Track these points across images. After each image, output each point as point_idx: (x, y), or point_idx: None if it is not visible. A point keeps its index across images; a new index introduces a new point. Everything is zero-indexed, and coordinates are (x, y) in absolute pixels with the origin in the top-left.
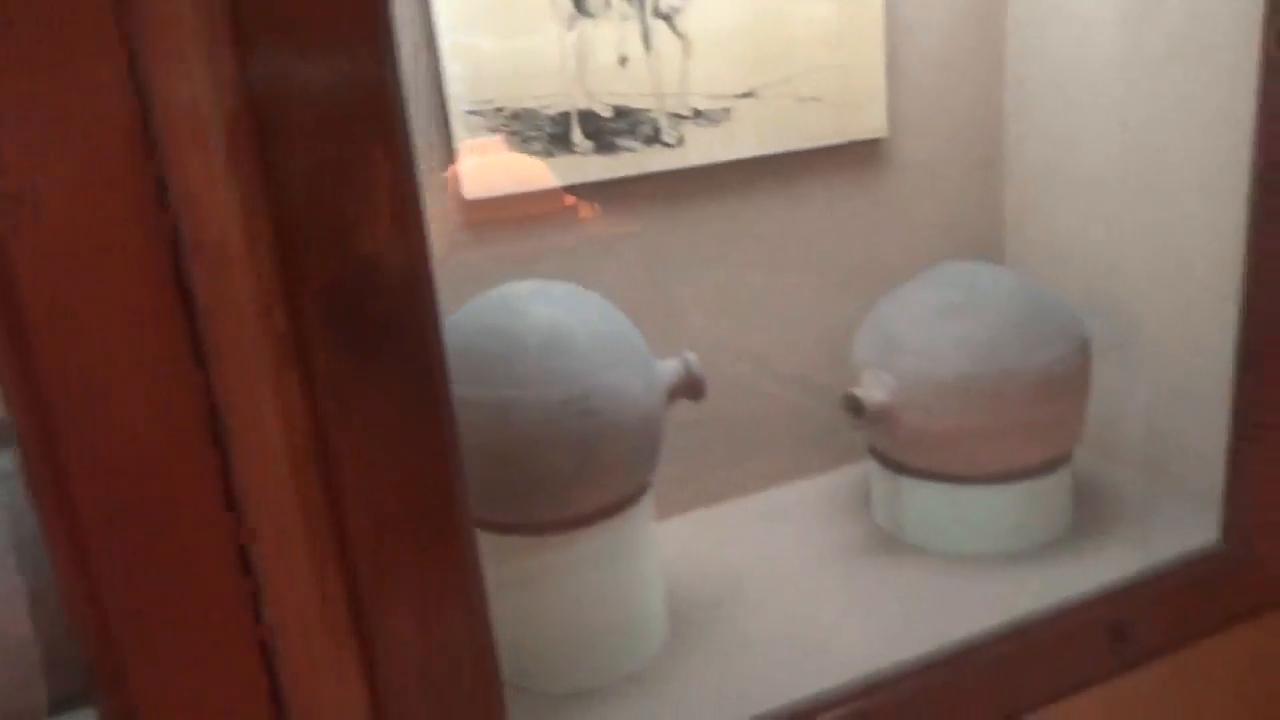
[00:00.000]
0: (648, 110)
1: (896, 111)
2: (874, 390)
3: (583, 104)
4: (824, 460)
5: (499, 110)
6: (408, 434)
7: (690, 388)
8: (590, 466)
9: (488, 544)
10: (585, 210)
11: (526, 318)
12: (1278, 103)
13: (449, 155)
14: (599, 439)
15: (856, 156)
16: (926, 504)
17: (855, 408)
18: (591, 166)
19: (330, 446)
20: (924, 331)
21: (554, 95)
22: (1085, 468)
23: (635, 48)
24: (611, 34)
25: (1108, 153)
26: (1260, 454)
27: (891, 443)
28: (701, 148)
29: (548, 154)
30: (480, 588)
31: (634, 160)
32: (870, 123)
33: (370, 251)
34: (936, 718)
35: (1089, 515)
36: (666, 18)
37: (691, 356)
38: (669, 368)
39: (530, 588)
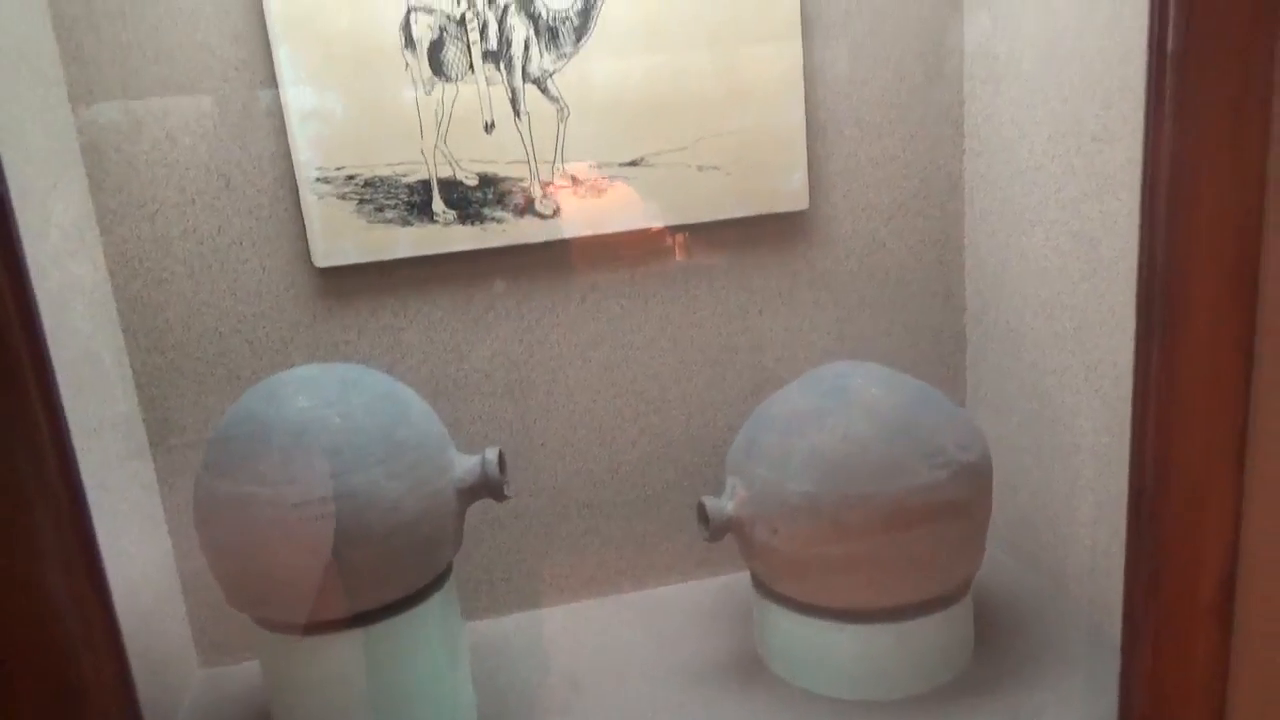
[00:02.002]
0: (519, 179)
1: (824, 182)
2: (725, 501)
3: (445, 171)
4: (734, 560)
5: (351, 178)
6: None
7: (488, 487)
8: (328, 573)
9: (262, 639)
10: (451, 282)
11: (282, 410)
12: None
13: (298, 222)
14: (338, 545)
15: (773, 231)
16: (785, 634)
17: (702, 517)
18: (455, 237)
19: None
20: (780, 440)
21: (412, 162)
22: (1024, 598)
23: (504, 113)
24: (476, 98)
25: (1059, 241)
26: (1157, 623)
27: (748, 561)
28: (581, 219)
29: (405, 223)
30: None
31: (504, 230)
32: (786, 194)
33: None
34: None
35: (996, 660)
36: (538, 81)
37: (491, 455)
38: (465, 465)
39: (294, 688)
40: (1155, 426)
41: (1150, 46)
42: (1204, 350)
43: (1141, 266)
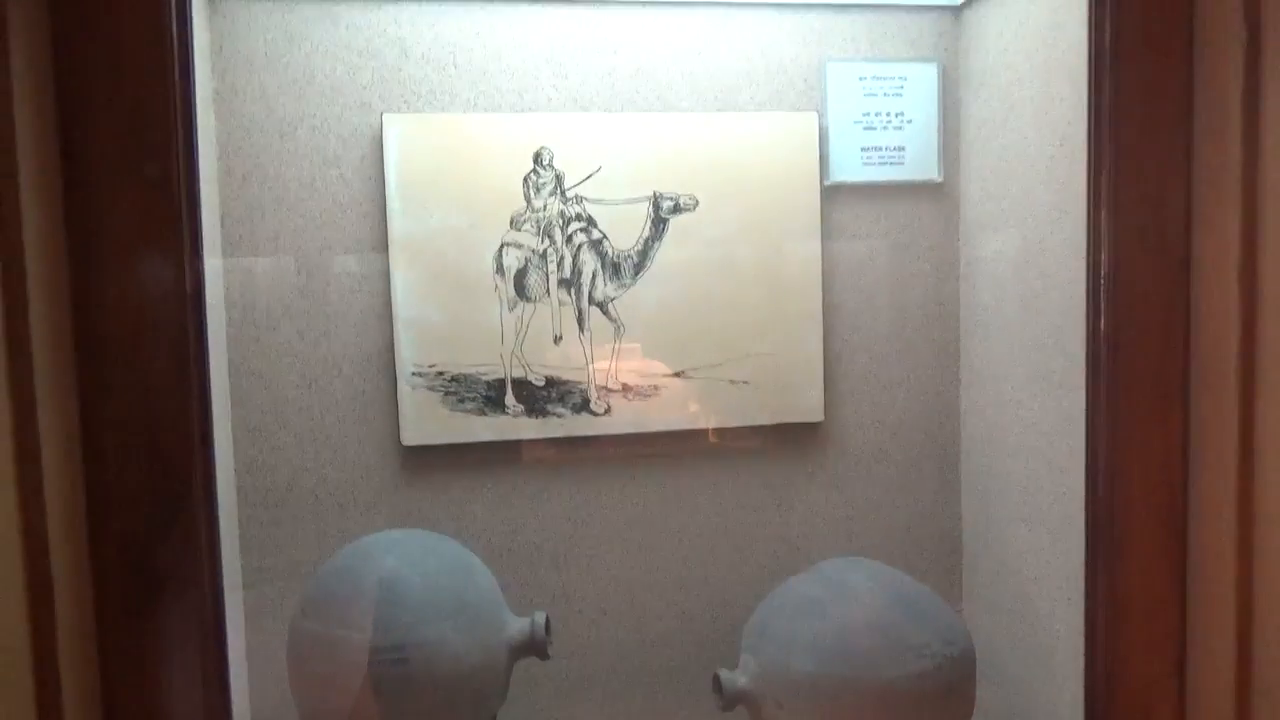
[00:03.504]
0: (578, 382)
1: (838, 399)
2: (739, 674)
3: (517, 373)
4: None
5: (440, 374)
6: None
7: (534, 647)
8: (397, 712)
9: None
10: (514, 464)
11: (374, 566)
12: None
13: (392, 406)
14: (407, 687)
15: (792, 438)
16: None
17: (717, 687)
18: (521, 427)
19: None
20: (787, 624)
21: (491, 364)
22: None
23: (571, 328)
24: (549, 316)
25: (1036, 467)
26: None
27: None
28: (628, 419)
29: (481, 413)
30: None
31: (562, 424)
32: (805, 408)
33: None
34: None
35: None
36: (601, 305)
37: (540, 618)
38: (516, 625)
39: None
40: (1104, 642)
41: (1088, 330)
42: (1144, 578)
43: (1088, 514)
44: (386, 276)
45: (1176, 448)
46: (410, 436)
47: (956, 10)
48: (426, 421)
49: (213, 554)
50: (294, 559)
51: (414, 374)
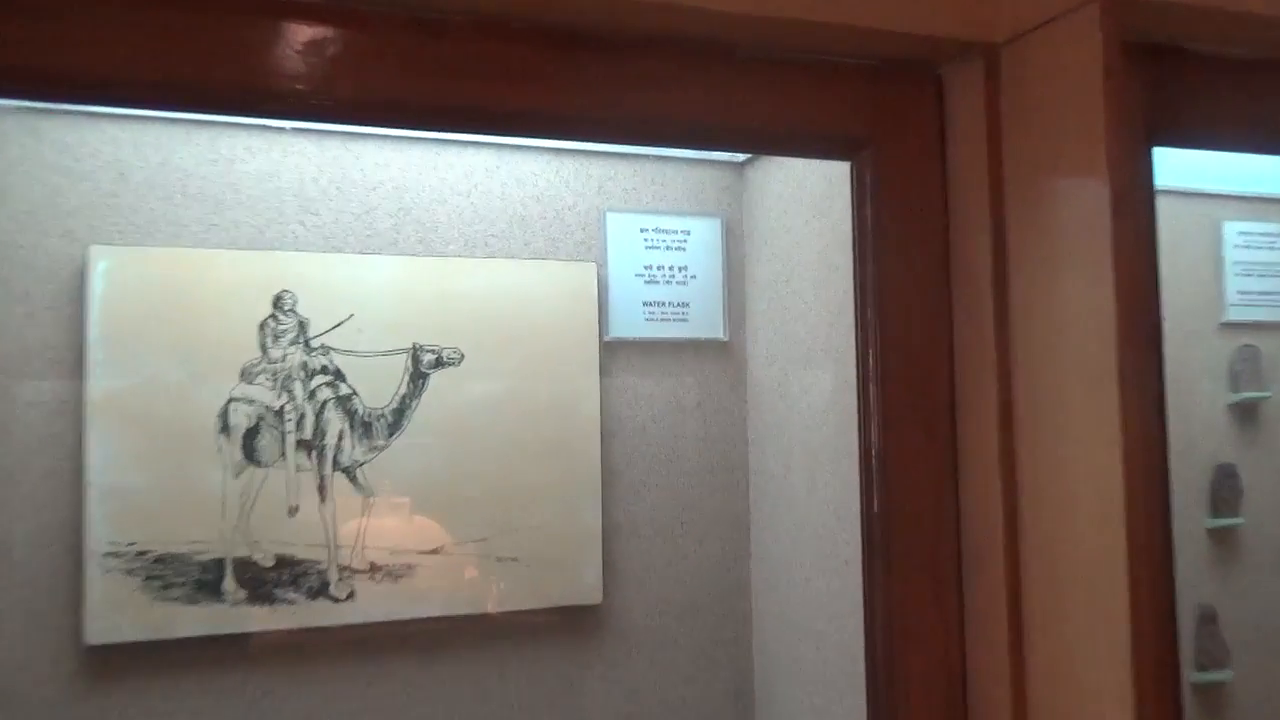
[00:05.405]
0: (316, 562)
1: (619, 578)
2: None
3: (241, 551)
4: None
5: (142, 554)
6: None
7: None
8: None
9: None
10: (228, 664)
11: None
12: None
13: (76, 597)
14: None
15: (567, 623)
16: None
17: None
18: (242, 617)
19: None
20: None
21: (208, 541)
22: None
23: (311, 498)
24: (284, 483)
25: (827, 651)
26: None
27: None
28: (376, 604)
29: (191, 601)
30: None
31: (294, 613)
32: (581, 588)
33: None
34: None
35: None
36: (348, 470)
37: None
38: None
39: None
40: None
41: (863, 508)
42: None
43: (868, 700)
44: (79, 436)
45: (954, 630)
46: (97, 633)
47: (739, 167)
48: (120, 613)
49: None
50: None
51: (107, 554)
